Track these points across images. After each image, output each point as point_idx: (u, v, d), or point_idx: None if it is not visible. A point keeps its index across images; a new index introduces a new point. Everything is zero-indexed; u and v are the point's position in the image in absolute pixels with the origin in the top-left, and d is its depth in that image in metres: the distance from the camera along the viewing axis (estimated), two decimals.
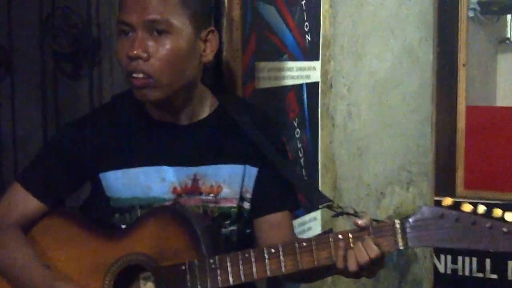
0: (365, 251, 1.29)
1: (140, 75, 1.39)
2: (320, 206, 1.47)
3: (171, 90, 1.42)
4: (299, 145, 2.26)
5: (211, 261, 1.36)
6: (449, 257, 3.06)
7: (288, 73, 2.18)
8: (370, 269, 1.32)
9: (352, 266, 1.31)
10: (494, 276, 3.00)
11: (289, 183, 1.53)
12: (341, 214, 1.43)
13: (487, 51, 3.06)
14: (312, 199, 1.48)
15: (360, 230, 1.31)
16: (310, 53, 2.30)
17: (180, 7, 1.40)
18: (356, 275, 1.33)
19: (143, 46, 1.38)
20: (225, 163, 1.49)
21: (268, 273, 1.35)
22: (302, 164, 2.28)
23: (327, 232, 2.39)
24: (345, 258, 1.31)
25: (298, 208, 1.63)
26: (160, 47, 1.39)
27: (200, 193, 1.48)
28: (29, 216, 1.50)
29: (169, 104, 1.46)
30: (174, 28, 1.39)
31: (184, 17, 1.40)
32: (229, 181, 1.49)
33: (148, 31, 1.39)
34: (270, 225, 1.51)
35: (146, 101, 1.45)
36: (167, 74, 1.40)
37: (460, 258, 3.04)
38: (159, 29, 1.39)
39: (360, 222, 1.31)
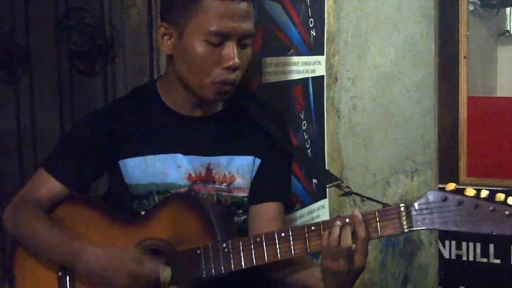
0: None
1: (229, 84, 1.42)
2: (329, 185, 1.48)
3: None
4: (306, 137, 2.26)
5: (224, 245, 1.37)
6: (453, 243, 3.06)
7: (294, 68, 2.18)
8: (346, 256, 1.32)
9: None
10: (497, 261, 3.00)
11: (286, 179, 1.56)
12: (349, 193, 1.44)
13: (487, 43, 3.05)
14: (322, 179, 1.49)
15: (368, 214, 1.32)
16: (315, 48, 2.30)
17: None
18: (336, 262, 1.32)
19: (239, 57, 1.41)
20: (238, 154, 1.51)
21: (279, 256, 1.36)
22: (309, 154, 2.28)
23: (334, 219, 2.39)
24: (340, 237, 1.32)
25: (292, 207, 1.62)
26: (244, 58, 1.43)
27: (214, 182, 1.50)
28: (52, 198, 1.51)
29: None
30: (251, 42, 1.45)
31: None
32: (241, 172, 1.50)
33: (238, 42, 1.41)
34: (262, 214, 1.52)
35: (219, 101, 1.48)
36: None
37: (464, 244, 3.04)
38: (246, 43, 1.42)
39: (338, 223, 1.33)
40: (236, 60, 1.39)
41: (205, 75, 1.41)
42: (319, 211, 2.33)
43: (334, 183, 1.47)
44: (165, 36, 1.45)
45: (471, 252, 3.04)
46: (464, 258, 3.05)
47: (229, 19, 1.38)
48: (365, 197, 1.41)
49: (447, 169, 3.03)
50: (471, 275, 3.06)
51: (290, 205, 1.61)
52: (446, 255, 3.09)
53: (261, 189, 1.52)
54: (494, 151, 2.97)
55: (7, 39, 2.06)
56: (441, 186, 3.04)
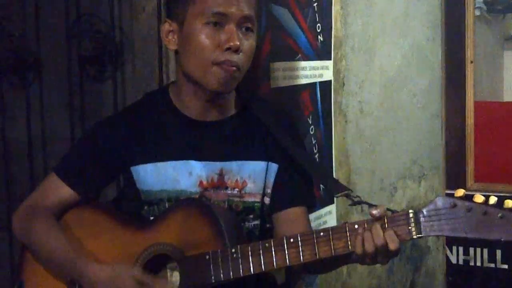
0: (382, 233, 1.29)
1: (233, 66, 1.42)
2: (338, 195, 1.45)
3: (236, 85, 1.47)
4: (314, 141, 2.26)
5: (233, 251, 1.36)
6: (461, 248, 3.04)
7: (301, 73, 2.19)
8: (384, 253, 1.31)
9: (369, 247, 1.30)
10: (505, 266, 2.99)
11: (307, 180, 1.54)
12: (359, 203, 1.43)
13: (493, 48, 3.05)
14: (331, 188, 1.48)
15: (376, 220, 1.31)
16: (323, 53, 2.30)
17: (257, 8, 1.47)
18: (372, 259, 1.32)
19: (239, 39, 1.41)
20: (250, 159, 1.50)
21: (288, 262, 1.35)
22: (317, 159, 2.28)
23: None
24: (363, 241, 1.30)
25: (315, 205, 1.62)
26: (247, 42, 1.43)
27: (226, 188, 1.49)
28: (63, 204, 1.52)
29: (218, 99, 1.48)
30: (255, 27, 1.46)
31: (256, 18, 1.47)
32: (253, 177, 1.50)
33: (239, 26, 1.42)
34: (288, 219, 1.51)
35: (224, 91, 1.46)
36: (246, 70, 1.45)
37: (471, 249, 3.02)
38: (247, 26, 1.43)
39: (374, 212, 1.31)
40: (236, 41, 1.40)
41: (207, 59, 1.41)
42: (326, 216, 2.33)
43: (343, 192, 1.45)
44: (170, 33, 1.47)
45: (478, 257, 3.03)
46: (472, 264, 3.04)
47: (228, 0, 1.41)
48: (374, 205, 1.39)
49: (454, 174, 3.02)
50: (478, 280, 3.04)
51: (313, 203, 1.60)
52: (454, 261, 3.07)
53: (283, 195, 1.51)
54: (501, 156, 2.96)
55: (18, 44, 2.07)
56: (448, 192, 3.03)
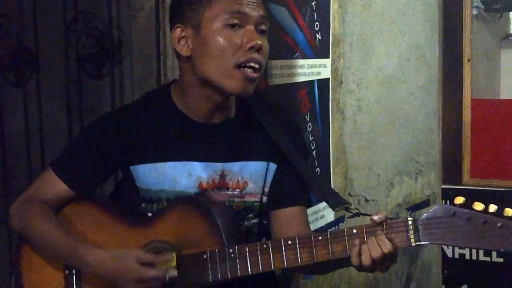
0: (379, 246, 1.28)
1: (257, 65, 1.38)
2: (337, 209, 1.43)
3: None
4: (311, 138, 2.24)
5: (231, 250, 1.35)
6: None
7: (300, 71, 2.17)
8: (383, 263, 1.29)
9: (366, 261, 1.29)
10: (500, 260, 2.99)
11: (304, 180, 1.51)
12: (358, 215, 1.40)
13: (490, 47, 3.04)
14: (330, 201, 1.45)
15: (374, 226, 1.29)
16: (321, 51, 2.28)
17: None
18: (370, 269, 1.31)
19: (260, 39, 1.38)
20: (251, 160, 1.47)
21: (285, 264, 1.34)
22: (315, 156, 2.26)
23: (339, 219, 2.37)
24: (359, 253, 1.29)
25: (311, 205, 1.59)
26: (265, 47, 1.40)
27: (227, 188, 1.47)
28: (58, 199, 1.49)
29: (226, 102, 1.45)
30: (268, 29, 1.43)
31: None
32: (254, 177, 1.47)
33: (256, 27, 1.39)
34: (286, 218, 1.49)
35: (245, 94, 1.42)
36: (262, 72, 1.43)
37: None
38: (263, 28, 1.40)
39: (375, 218, 1.30)
40: (258, 41, 1.36)
41: (229, 62, 1.36)
42: (324, 211, 2.31)
43: (342, 206, 1.42)
44: (182, 39, 1.42)
45: (474, 251, 3.02)
46: (467, 257, 3.04)
47: (243, 2, 1.37)
48: (370, 215, 1.37)
49: (451, 171, 3.01)
50: (474, 273, 3.04)
51: (309, 204, 1.57)
52: (449, 254, 3.07)
53: (281, 194, 1.49)
54: (497, 153, 2.96)
55: (16, 41, 2.05)
56: (444, 187, 3.02)
